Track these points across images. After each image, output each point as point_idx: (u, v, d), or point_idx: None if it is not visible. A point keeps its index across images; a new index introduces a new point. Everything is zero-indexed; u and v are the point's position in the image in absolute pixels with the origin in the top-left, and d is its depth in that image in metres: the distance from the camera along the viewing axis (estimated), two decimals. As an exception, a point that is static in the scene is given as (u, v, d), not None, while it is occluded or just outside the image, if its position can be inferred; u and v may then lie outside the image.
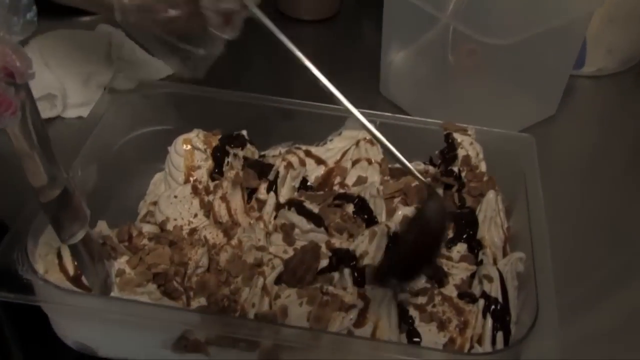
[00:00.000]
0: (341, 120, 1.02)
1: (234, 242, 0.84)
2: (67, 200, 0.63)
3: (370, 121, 0.97)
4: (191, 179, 0.96)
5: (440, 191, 0.96)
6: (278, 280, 0.83)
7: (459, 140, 0.97)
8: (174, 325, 0.74)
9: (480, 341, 0.77)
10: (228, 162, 0.95)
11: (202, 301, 0.77)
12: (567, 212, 1.05)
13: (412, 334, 0.77)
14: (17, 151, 0.57)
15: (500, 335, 0.77)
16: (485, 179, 0.95)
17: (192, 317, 0.75)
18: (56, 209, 0.64)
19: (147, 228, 0.84)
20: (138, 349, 0.78)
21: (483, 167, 0.97)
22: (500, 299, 0.78)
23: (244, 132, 0.99)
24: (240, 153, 0.97)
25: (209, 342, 0.76)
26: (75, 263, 0.75)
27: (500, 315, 0.77)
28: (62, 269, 0.77)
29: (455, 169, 0.96)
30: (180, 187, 0.94)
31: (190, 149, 0.96)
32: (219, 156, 0.96)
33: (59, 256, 0.78)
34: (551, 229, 0.85)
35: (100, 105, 0.97)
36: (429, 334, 0.77)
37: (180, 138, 0.97)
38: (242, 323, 0.74)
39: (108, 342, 0.78)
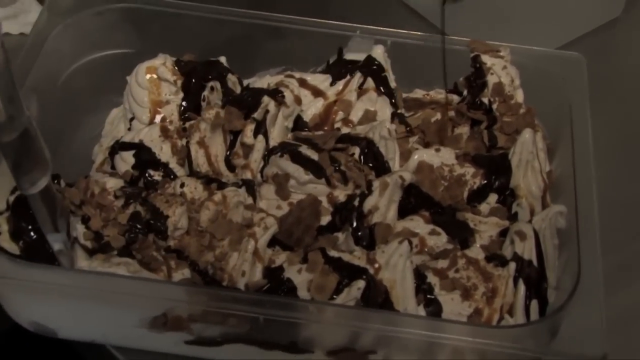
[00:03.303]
0: (343, 39, 1.08)
1: (217, 197, 0.92)
2: (28, 143, 0.72)
3: (379, 40, 1.08)
4: (158, 116, 1.03)
5: (466, 127, 1.04)
6: (271, 243, 0.93)
7: (488, 64, 1.04)
8: (157, 301, 0.83)
9: (511, 311, 0.87)
10: (204, 96, 1.03)
11: (185, 273, 0.87)
12: (622, 154, 1.13)
13: (431, 305, 0.87)
14: None
15: (534, 304, 0.86)
16: (521, 111, 1.03)
17: (179, 292, 0.84)
18: (17, 152, 0.72)
19: (112, 183, 0.92)
20: (108, 329, 0.88)
21: (520, 96, 1.04)
22: (535, 262, 0.88)
23: (223, 59, 1.06)
24: (219, 86, 1.04)
25: (192, 318, 0.86)
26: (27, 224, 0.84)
27: (534, 281, 0.87)
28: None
29: (485, 99, 1.04)
30: (145, 128, 1.01)
31: (155, 80, 1.03)
32: (192, 89, 1.02)
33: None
34: (601, 175, 0.94)
35: (39, 27, 1.02)
36: (451, 304, 0.87)
37: (143, 66, 1.03)
38: (234, 296, 0.83)
39: (72, 322, 0.88)
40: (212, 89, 1.03)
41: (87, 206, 0.88)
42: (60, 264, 0.85)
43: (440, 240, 0.93)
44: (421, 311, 0.87)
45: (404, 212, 0.96)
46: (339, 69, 1.07)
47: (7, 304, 0.89)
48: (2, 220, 0.87)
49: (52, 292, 0.84)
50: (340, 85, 1.07)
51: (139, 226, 0.87)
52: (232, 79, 1.06)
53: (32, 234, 0.86)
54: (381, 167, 0.99)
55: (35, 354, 1.02)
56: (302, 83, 1.07)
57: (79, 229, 0.87)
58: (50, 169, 0.77)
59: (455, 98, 1.08)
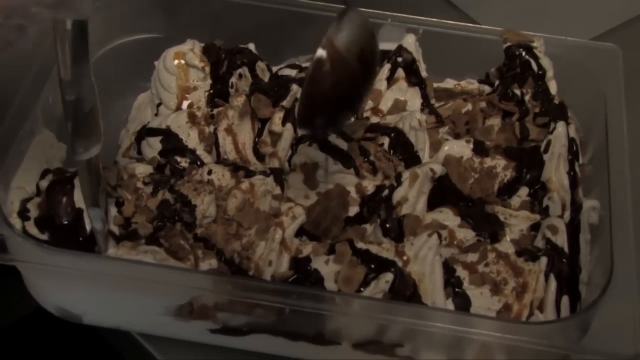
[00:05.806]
0: (373, 27, 1.07)
1: (244, 185, 0.92)
2: (87, 107, 0.76)
3: (410, 29, 1.06)
4: (185, 102, 1.04)
5: (498, 119, 1.03)
6: (298, 233, 0.92)
7: (522, 54, 1.03)
8: (184, 290, 0.83)
9: (541, 307, 0.86)
10: (232, 83, 1.02)
11: (212, 263, 0.86)
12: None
13: (459, 299, 0.86)
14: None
15: (565, 300, 0.85)
16: (554, 103, 1.02)
17: (206, 281, 0.84)
18: (77, 114, 0.75)
19: (141, 169, 0.92)
20: (133, 317, 0.89)
21: (553, 88, 1.03)
22: (566, 257, 0.86)
23: (252, 46, 1.05)
24: (248, 73, 1.03)
25: (218, 307, 0.85)
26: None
27: (566, 275, 0.86)
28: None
29: (517, 91, 1.03)
30: (173, 114, 1.01)
31: (183, 65, 1.03)
32: (220, 76, 1.02)
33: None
34: (636, 169, 0.92)
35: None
36: (480, 299, 0.86)
37: (171, 51, 1.03)
38: (261, 287, 0.83)
39: (98, 309, 0.88)
40: (240, 76, 1.03)
41: (123, 190, 0.88)
42: (97, 243, 0.85)
43: (469, 233, 0.92)
44: (449, 305, 0.86)
45: (432, 204, 0.95)
46: (369, 58, 1.06)
47: (34, 288, 0.89)
48: (32, 205, 0.87)
49: (78, 279, 0.84)
50: (369, 73, 1.05)
51: (167, 214, 0.87)
52: (260, 66, 1.05)
53: (63, 220, 0.87)
54: (410, 158, 0.98)
55: (61, 338, 1.02)
56: (331, 71, 1.05)
57: (111, 212, 0.87)
58: (102, 139, 0.80)
59: (486, 88, 1.07)
